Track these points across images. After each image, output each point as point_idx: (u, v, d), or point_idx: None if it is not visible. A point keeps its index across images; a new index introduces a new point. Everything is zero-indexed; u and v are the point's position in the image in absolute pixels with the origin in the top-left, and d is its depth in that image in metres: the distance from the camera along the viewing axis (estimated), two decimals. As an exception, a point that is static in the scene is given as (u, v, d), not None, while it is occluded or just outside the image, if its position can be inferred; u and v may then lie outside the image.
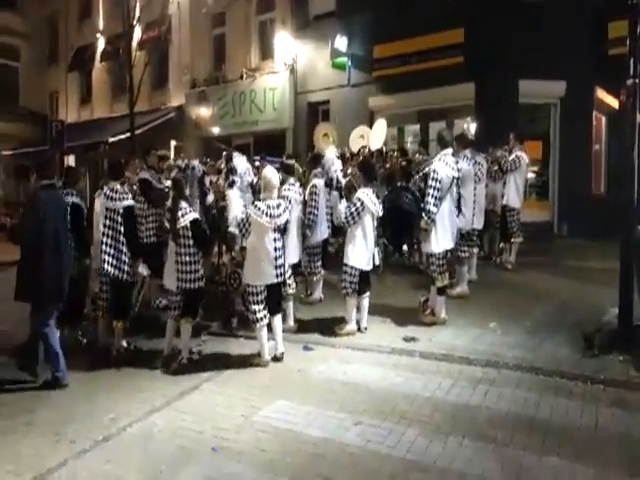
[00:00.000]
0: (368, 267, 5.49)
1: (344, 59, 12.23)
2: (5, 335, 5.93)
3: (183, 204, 5.03)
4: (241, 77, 14.44)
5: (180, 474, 3.22)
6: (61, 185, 5.77)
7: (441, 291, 5.64)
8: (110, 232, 5.29)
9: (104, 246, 5.27)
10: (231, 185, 5.71)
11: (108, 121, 17.44)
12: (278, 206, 4.90)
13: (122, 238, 5.30)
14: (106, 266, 5.25)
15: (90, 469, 3.31)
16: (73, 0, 19.72)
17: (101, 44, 18.25)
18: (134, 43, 14.68)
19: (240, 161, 6.34)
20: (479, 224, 6.94)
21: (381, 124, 8.61)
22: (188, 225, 4.95)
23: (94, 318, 5.68)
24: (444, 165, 5.50)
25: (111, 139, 15.01)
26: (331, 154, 7.10)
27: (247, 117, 14.40)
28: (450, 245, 5.69)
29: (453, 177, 5.54)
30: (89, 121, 18.63)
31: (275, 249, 4.86)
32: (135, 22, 14.29)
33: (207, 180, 7.34)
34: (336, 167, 7.01)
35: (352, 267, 5.40)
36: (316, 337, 5.54)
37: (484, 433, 3.49)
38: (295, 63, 13.45)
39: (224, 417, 3.90)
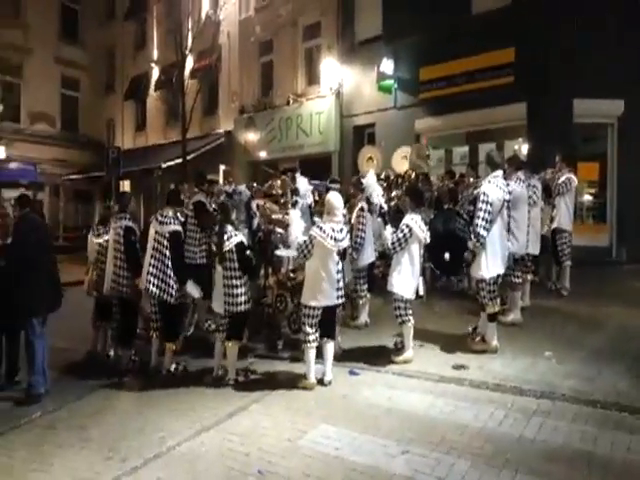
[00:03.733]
0: (413, 296, 5.41)
1: (390, 82, 12.33)
2: (63, 351, 6.20)
3: (229, 228, 5.16)
4: (288, 102, 14.80)
5: (227, 497, 3.24)
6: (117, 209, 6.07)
7: (492, 318, 5.47)
8: (157, 254, 5.48)
9: (150, 267, 5.46)
10: (294, 205, 5.78)
11: (161, 147, 18.20)
12: (341, 230, 4.95)
13: (168, 261, 5.46)
14: (151, 287, 5.43)
15: (141, 487, 3.39)
16: (129, 32, 20.89)
17: (155, 73, 19.18)
18: (186, 72, 15.34)
19: (303, 182, 6.41)
20: (535, 249, 6.63)
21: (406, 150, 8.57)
22: (233, 248, 5.06)
23: (147, 338, 5.85)
24: (494, 187, 5.38)
25: (164, 164, 15.64)
26: (371, 179, 7.02)
27: (293, 141, 14.69)
28: (501, 270, 5.52)
29: (504, 200, 5.42)
30: (144, 147, 19.50)
31: (337, 271, 4.90)
32: (187, 52, 14.96)
33: (254, 204, 7.51)
34: (377, 192, 6.96)
35: (399, 294, 5.34)
36: (362, 361, 5.49)
37: (538, 468, 3.33)
38: (341, 87, 13.67)
39: (270, 439, 3.91)
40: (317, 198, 7.70)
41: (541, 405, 4.24)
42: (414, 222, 5.33)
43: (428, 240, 5.46)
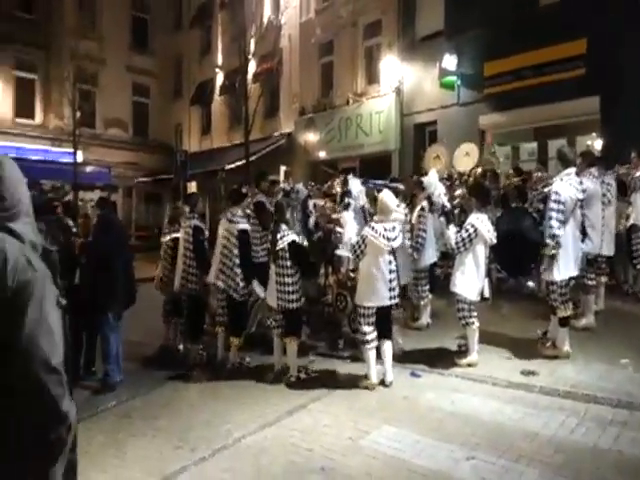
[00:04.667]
0: (477, 298, 5.26)
1: (453, 78, 12.05)
2: (136, 344, 6.54)
3: (283, 227, 5.24)
4: (347, 102, 14.82)
5: (291, 491, 3.31)
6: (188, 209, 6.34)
7: (564, 322, 5.20)
8: (226, 252, 5.66)
9: (219, 265, 5.65)
10: (346, 207, 5.81)
11: (225, 150, 18.78)
12: (393, 229, 4.93)
13: (236, 259, 5.63)
14: (219, 283, 5.61)
15: (208, 476, 3.51)
16: (196, 39, 21.68)
17: (220, 79, 19.80)
18: (249, 76, 15.72)
19: (355, 184, 6.43)
20: (609, 250, 6.25)
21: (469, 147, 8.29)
22: (286, 247, 5.13)
23: (214, 333, 6.05)
24: (567, 186, 5.12)
25: (228, 166, 16.12)
26: (433, 178, 6.91)
27: (353, 141, 14.69)
28: (574, 272, 5.23)
29: (577, 199, 5.14)
30: (209, 150, 20.19)
31: (390, 271, 4.87)
32: (250, 57, 15.33)
33: (311, 203, 7.57)
34: (439, 191, 6.83)
35: (462, 296, 5.22)
36: (423, 363, 5.40)
37: (614, 481, 3.15)
38: (401, 85, 13.52)
39: (332, 438, 3.94)
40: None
41: (617, 415, 3.99)
42: (479, 221, 5.18)
43: (494, 240, 5.29)
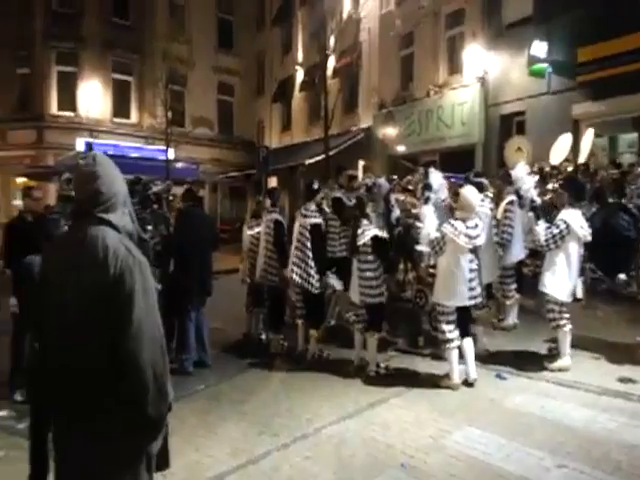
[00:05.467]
0: (569, 299, 4.95)
1: (543, 65, 11.37)
2: (221, 332, 6.86)
3: (364, 222, 5.21)
4: (428, 94, 14.47)
5: (372, 484, 3.32)
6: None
7: (667, 327, 4.80)
8: (300, 246, 5.76)
9: (294, 258, 5.77)
10: (426, 201, 5.71)
11: (305, 145, 19.08)
12: (476, 226, 4.76)
13: (309, 253, 5.71)
14: (294, 277, 5.73)
15: (291, 462, 3.61)
16: (277, 37, 22.19)
17: (300, 75, 20.12)
18: (328, 72, 15.83)
19: (435, 177, 6.28)
20: None
21: (566, 138, 7.73)
22: (368, 242, 5.11)
23: (294, 325, 6.21)
24: (674, 179, 4.70)
25: (307, 161, 16.38)
26: (521, 171, 6.55)
27: (434, 134, 14.34)
28: (681, 273, 4.81)
29: (686, 193, 4.70)
30: (289, 146, 20.63)
31: (470, 270, 4.72)
32: (329, 52, 15.42)
33: (392, 197, 7.49)
34: (528, 185, 6.47)
35: (552, 296, 4.94)
36: (510, 366, 5.19)
37: None
38: (486, 75, 12.98)
39: (413, 435, 3.90)
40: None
41: None
42: (572, 218, 4.88)
43: (589, 238, 4.96)
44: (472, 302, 4.80)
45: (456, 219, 4.80)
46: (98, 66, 20.39)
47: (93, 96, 20.24)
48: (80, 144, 19.28)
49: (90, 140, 19.78)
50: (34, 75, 20.23)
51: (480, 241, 4.78)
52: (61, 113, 20.28)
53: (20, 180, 20.61)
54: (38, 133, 20.01)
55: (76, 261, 1.81)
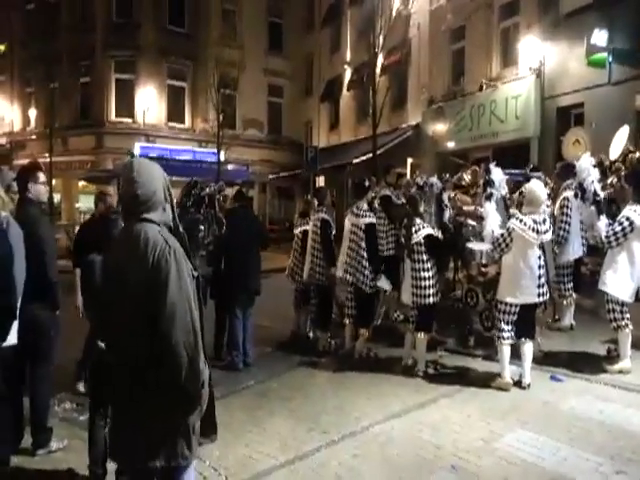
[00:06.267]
0: (631, 299, 4.70)
1: (603, 55, 10.79)
2: (269, 329, 6.97)
3: (417, 220, 5.15)
4: (480, 88, 14.09)
5: (419, 485, 3.28)
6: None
7: None
8: (353, 245, 5.74)
9: (347, 258, 5.75)
10: (489, 198, 5.56)
11: (353, 144, 19.06)
12: (544, 221, 4.63)
13: (363, 252, 5.68)
14: (347, 276, 5.72)
15: (339, 459, 3.61)
16: (326, 38, 22.27)
17: (348, 74, 20.11)
18: (377, 70, 15.73)
19: (497, 172, 6.09)
20: None
21: (624, 131, 7.27)
22: (422, 241, 5.04)
23: (341, 324, 6.21)
24: None
25: (355, 160, 16.35)
26: (586, 163, 6.29)
27: (486, 129, 13.95)
28: None
29: None
30: (337, 145, 20.67)
31: (539, 266, 4.58)
32: (379, 50, 15.31)
33: (445, 196, 7.33)
34: (593, 178, 6.19)
35: (614, 296, 4.70)
36: (565, 367, 4.98)
37: None
38: (542, 66, 12.50)
39: (463, 437, 3.82)
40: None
41: None
42: (636, 214, 4.63)
43: (655, 235, 4.68)
44: (541, 299, 4.66)
45: (524, 214, 4.66)
46: (154, 73, 21.23)
47: (149, 102, 21.09)
48: (137, 148, 20.14)
49: (145, 144, 20.61)
50: (94, 83, 21.34)
51: (549, 237, 4.67)
52: (119, 119, 21.27)
53: (82, 184, 21.75)
54: (97, 139, 21.08)
55: (125, 257, 2.02)
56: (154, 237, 1.99)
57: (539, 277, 4.56)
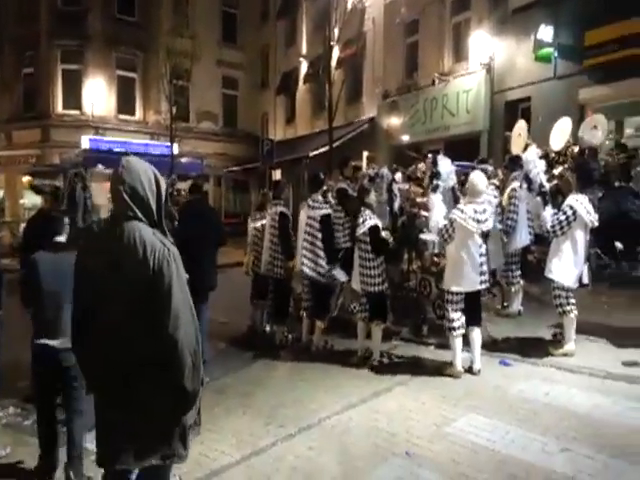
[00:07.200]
0: (575, 285, 4.92)
1: (549, 50, 11.20)
2: (226, 325, 6.89)
3: (366, 212, 5.21)
4: (433, 83, 14.33)
5: (375, 471, 3.33)
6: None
7: (675, 310, 4.74)
8: (309, 237, 5.75)
9: (304, 250, 5.76)
10: (435, 189, 5.67)
11: (309, 137, 19.02)
12: (484, 211, 4.76)
13: (319, 244, 5.70)
14: (305, 269, 5.72)
15: (296, 452, 3.62)
16: (281, 30, 22.06)
17: (304, 67, 20.01)
18: (332, 63, 15.73)
19: (445, 164, 6.20)
20: None
21: (565, 122, 7.58)
22: (367, 231, 5.11)
23: (298, 317, 6.21)
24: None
25: (312, 153, 16.32)
26: (532, 155, 6.53)
27: (438, 123, 14.22)
28: (688, 256, 4.75)
29: (693, 175, 4.63)
30: (293, 138, 20.57)
31: (480, 255, 4.72)
32: (334, 43, 15.30)
33: (395, 186, 7.44)
34: (539, 169, 6.43)
35: (559, 282, 4.90)
36: (514, 352, 5.17)
37: None
38: (492, 61, 12.83)
39: (416, 423, 3.90)
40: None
41: None
42: (579, 203, 4.83)
43: (596, 223, 4.91)
44: (483, 286, 4.80)
45: (465, 204, 4.79)
46: (102, 63, 20.44)
47: (98, 94, 20.30)
48: (85, 142, 19.38)
49: (95, 137, 19.86)
50: (39, 74, 20.34)
51: (488, 226, 4.79)
52: (66, 111, 20.38)
53: (26, 179, 20.73)
54: (43, 132, 20.13)
55: (117, 255, 2.01)
56: (151, 240, 2.00)
57: (481, 265, 4.70)
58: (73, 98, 20.38)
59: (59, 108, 20.37)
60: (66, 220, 3.66)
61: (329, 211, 5.90)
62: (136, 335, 1.98)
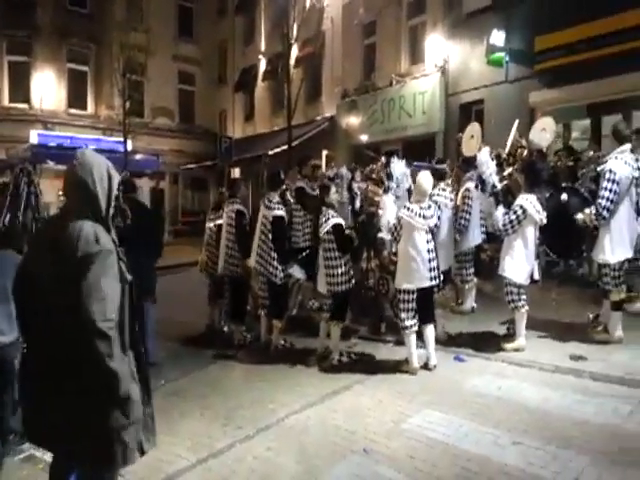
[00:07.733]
0: (527, 281, 5.10)
1: (501, 54, 11.55)
2: (183, 324, 6.76)
3: (328, 210, 5.23)
4: (390, 84, 14.52)
5: (333, 470, 3.33)
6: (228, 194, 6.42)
7: (617, 306, 4.97)
8: (263, 237, 5.72)
9: (259, 249, 5.72)
10: (386, 191, 5.74)
11: (268, 135, 18.89)
12: (429, 207, 4.90)
13: (271, 244, 5.66)
14: (257, 266, 5.69)
15: (254, 453, 3.59)
16: (239, 26, 21.76)
17: (263, 65, 19.85)
18: (291, 61, 15.67)
19: (398, 166, 6.28)
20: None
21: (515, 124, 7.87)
22: (330, 230, 5.13)
23: (256, 316, 6.16)
24: (622, 164, 4.85)
25: (271, 152, 16.21)
26: (485, 156, 6.70)
27: (396, 123, 14.42)
28: (629, 254, 4.98)
29: (633, 177, 4.88)
30: (252, 136, 20.36)
31: (428, 250, 4.81)
32: (292, 41, 15.25)
33: (355, 185, 7.52)
34: (491, 170, 6.61)
35: (511, 279, 5.07)
36: (468, 348, 5.31)
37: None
38: (446, 64, 13.11)
39: (374, 420, 3.94)
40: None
41: (677, 404, 3.80)
42: (528, 203, 5.00)
43: (544, 221, 5.10)
44: (434, 283, 4.87)
45: (412, 202, 4.94)
46: (52, 56, 19.60)
47: (47, 87, 19.46)
48: (34, 136, 18.55)
49: (43, 132, 19.05)
50: (-18, 65, 19.30)
51: (434, 222, 4.90)
52: (13, 105, 19.43)
53: (-30, 175, 19.50)
54: (-12, 126, 19.13)
55: (54, 246, 2.12)
56: (86, 232, 2.09)
57: (429, 261, 4.80)
58: (21, 91, 19.45)
59: (5, 101, 19.40)
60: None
61: (282, 213, 5.83)
62: (66, 331, 2.06)
